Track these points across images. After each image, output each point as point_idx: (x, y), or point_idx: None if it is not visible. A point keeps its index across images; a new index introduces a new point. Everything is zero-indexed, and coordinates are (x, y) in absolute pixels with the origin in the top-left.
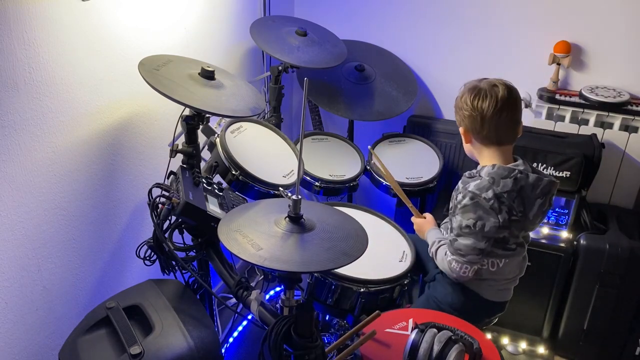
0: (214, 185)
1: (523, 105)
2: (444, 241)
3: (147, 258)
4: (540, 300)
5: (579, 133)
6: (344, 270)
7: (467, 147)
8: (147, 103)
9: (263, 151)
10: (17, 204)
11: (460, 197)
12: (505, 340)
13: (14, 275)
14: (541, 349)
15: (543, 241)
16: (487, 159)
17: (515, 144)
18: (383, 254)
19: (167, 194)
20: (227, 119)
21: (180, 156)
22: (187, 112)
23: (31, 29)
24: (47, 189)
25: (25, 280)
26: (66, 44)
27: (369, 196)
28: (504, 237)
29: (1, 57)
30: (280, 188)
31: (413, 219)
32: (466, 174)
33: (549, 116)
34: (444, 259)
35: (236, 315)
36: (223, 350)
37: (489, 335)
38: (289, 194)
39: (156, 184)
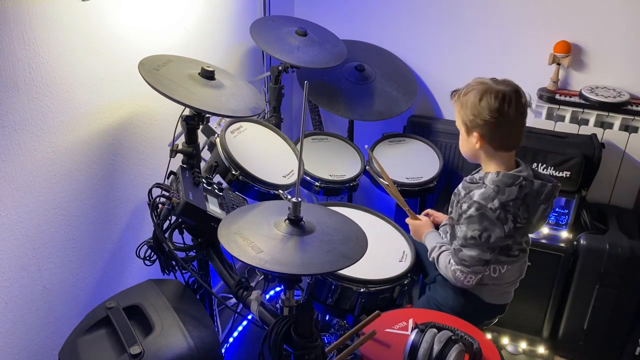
0: (214, 185)
1: None
2: (445, 247)
3: (147, 258)
4: (540, 300)
5: (579, 133)
6: (344, 271)
7: (472, 152)
8: (147, 103)
9: (263, 151)
10: (17, 204)
11: (465, 206)
12: (505, 340)
13: (14, 275)
14: (541, 349)
15: (543, 241)
16: (493, 165)
17: None
18: (383, 254)
19: (167, 194)
20: (227, 119)
21: (180, 156)
22: (187, 112)
23: (31, 29)
24: (47, 189)
25: (25, 280)
26: (66, 44)
27: (369, 196)
28: (507, 245)
29: (1, 57)
30: (280, 190)
31: (408, 220)
32: (467, 178)
33: (549, 116)
34: (448, 267)
35: (236, 315)
36: (223, 350)
37: (489, 335)
38: (289, 197)
39: (156, 184)
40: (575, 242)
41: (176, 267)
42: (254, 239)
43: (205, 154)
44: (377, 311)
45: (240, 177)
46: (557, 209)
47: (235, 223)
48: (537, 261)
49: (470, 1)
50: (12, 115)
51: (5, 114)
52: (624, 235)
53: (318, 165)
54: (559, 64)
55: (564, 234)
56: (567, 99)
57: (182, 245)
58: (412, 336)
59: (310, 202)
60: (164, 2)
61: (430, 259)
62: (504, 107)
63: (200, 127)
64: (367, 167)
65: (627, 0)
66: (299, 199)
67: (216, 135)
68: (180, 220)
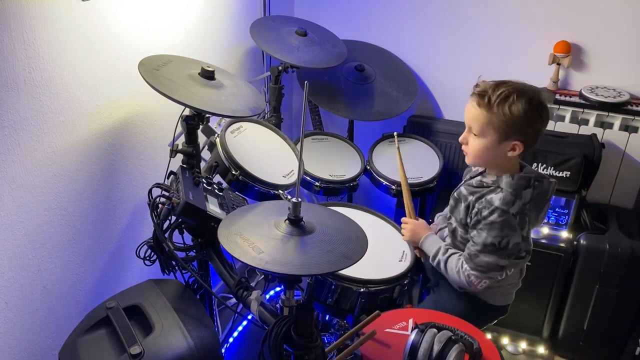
0: (214, 185)
1: None
2: (452, 250)
3: (147, 258)
4: (540, 300)
5: (579, 133)
6: (344, 271)
7: (497, 158)
8: (147, 103)
9: (263, 151)
10: (17, 204)
11: (486, 212)
12: (505, 340)
13: (14, 275)
14: (541, 349)
15: (543, 241)
16: (506, 168)
17: None
18: (383, 254)
19: (167, 194)
20: (227, 119)
21: (180, 156)
22: (187, 112)
23: (31, 29)
24: (47, 189)
25: (25, 280)
26: (66, 44)
27: (369, 196)
28: (519, 248)
29: (1, 57)
30: (280, 191)
31: (406, 219)
32: (471, 182)
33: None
34: (460, 272)
35: (236, 315)
36: (223, 350)
37: (489, 335)
38: (289, 197)
39: (156, 184)
40: (575, 242)
41: (176, 267)
42: (254, 239)
43: (205, 154)
44: (377, 311)
45: (240, 177)
46: (557, 209)
47: (235, 223)
48: (537, 261)
49: (470, 1)
50: (12, 115)
51: (5, 114)
52: (624, 235)
53: (318, 165)
54: (559, 64)
55: (564, 234)
56: (567, 99)
57: (182, 245)
58: (412, 336)
59: (310, 202)
60: (164, 2)
61: (435, 263)
62: (547, 110)
63: (200, 127)
64: (367, 167)
65: (627, 0)
66: (299, 199)
67: (216, 135)
68: (180, 220)
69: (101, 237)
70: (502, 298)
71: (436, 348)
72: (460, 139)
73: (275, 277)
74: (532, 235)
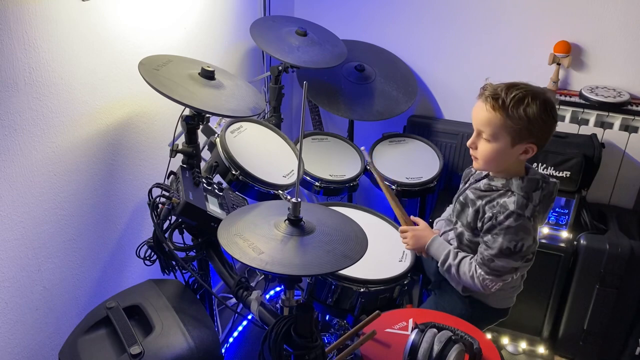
0: (214, 185)
1: None
2: (462, 254)
3: (147, 258)
4: (540, 300)
5: (579, 133)
6: (343, 270)
7: (509, 161)
8: (147, 103)
9: (263, 151)
10: (17, 204)
11: (501, 217)
12: (505, 340)
13: (14, 275)
14: (541, 349)
15: (543, 241)
16: (514, 171)
17: None
18: (383, 254)
19: (167, 194)
20: (227, 119)
21: (180, 156)
22: (187, 112)
23: (31, 29)
24: (47, 189)
25: (25, 280)
26: (66, 44)
27: (369, 196)
28: (531, 250)
29: (1, 57)
30: (280, 191)
31: (404, 228)
32: (480, 185)
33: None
34: (475, 277)
35: (236, 315)
36: (223, 350)
37: (489, 335)
38: (289, 197)
39: (156, 184)
40: (575, 242)
41: (176, 267)
42: (254, 240)
43: (205, 154)
44: (377, 311)
45: (240, 177)
46: (557, 209)
47: (235, 224)
48: (537, 261)
49: (470, 1)
50: (12, 115)
51: (5, 114)
52: (624, 235)
53: (318, 165)
54: (559, 64)
55: (564, 234)
56: (567, 99)
57: (182, 245)
58: (412, 336)
59: (310, 202)
60: (164, 2)
61: (444, 267)
62: (555, 113)
63: (200, 127)
64: (367, 167)
65: (627, 0)
66: (299, 199)
67: (216, 135)
68: (180, 220)
69: (101, 237)
70: (504, 301)
71: (436, 348)
72: (469, 143)
73: (275, 277)
74: None
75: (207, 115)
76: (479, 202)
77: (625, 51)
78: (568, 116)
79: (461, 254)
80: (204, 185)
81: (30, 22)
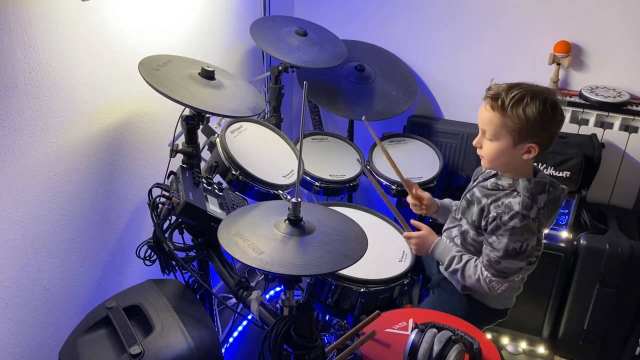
0: (214, 185)
1: None
2: (467, 256)
3: (147, 258)
4: (540, 300)
5: (579, 133)
6: (343, 270)
7: (513, 161)
8: (147, 103)
9: (263, 151)
10: (17, 204)
11: (506, 217)
12: (505, 340)
13: (14, 275)
14: (541, 349)
15: (543, 241)
16: (522, 172)
17: None
18: (383, 254)
19: (167, 194)
20: (227, 119)
21: (180, 156)
22: (187, 112)
23: (31, 29)
24: (47, 189)
25: (25, 280)
26: (66, 44)
27: (369, 196)
28: (534, 250)
29: (1, 57)
30: (280, 191)
31: (408, 234)
32: (488, 184)
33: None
34: (481, 279)
35: (236, 315)
36: (223, 350)
37: (489, 335)
38: (289, 197)
39: (156, 184)
40: (575, 242)
41: (176, 267)
42: (254, 240)
43: (205, 154)
44: (377, 311)
45: (240, 177)
46: None
47: (235, 224)
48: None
49: (470, 1)
50: (12, 115)
51: (5, 114)
52: (624, 235)
53: (318, 165)
54: (559, 64)
55: (564, 234)
56: (567, 99)
57: (182, 245)
58: (412, 336)
59: (310, 202)
60: (164, 2)
61: (449, 271)
62: (562, 112)
63: (200, 127)
64: (367, 167)
65: (627, 0)
66: (299, 199)
67: (216, 135)
68: (180, 220)
69: (101, 237)
70: (504, 302)
71: (436, 348)
72: (475, 142)
73: (275, 277)
74: None
75: (207, 115)
76: (484, 201)
77: (625, 51)
78: (568, 116)
79: (465, 257)
80: (204, 185)
81: (30, 22)
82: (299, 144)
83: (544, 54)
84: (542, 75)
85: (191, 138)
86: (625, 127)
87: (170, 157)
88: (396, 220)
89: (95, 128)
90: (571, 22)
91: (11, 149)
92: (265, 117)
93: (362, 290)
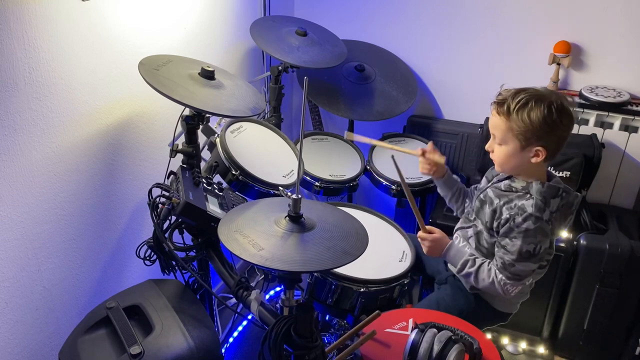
0: (214, 185)
1: None
2: (480, 259)
3: (147, 258)
4: (540, 300)
5: (579, 133)
6: (344, 270)
7: (522, 165)
8: (147, 103)
9: (263, 151)
10: (17, 204)
11: (519, 219)
12: (505, 340)
13: (14, 275)
14: (541, 349)
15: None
16: (535, 176)
17: None
18: (383, 253)
19: (167, 194)
20: (227, 119)
21: (180, 156)
22: (187, 112)
23: (31, 29)
24: (47, 189)
25: (25, 280)
26: (66, 44)
27: (369, 196)
28: (546, 253)
29: (1, 57)
30: (280, 187)
31: (423, 235)
32: (501, 185)
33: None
34: (495, 282)
35: (236, 315)
36: (223, 350)
37: (489, 335)
38: (289, 193)
39: (156, 184)
40: (575, 242)
41: (176, 267)
42: (255, 236)
43: (205, 154)
44: (377, 311)
45: (240, 177)
46: None
47: (236, 221)
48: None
49: (470, 1)
50: (12, 115)
51: (5, 114)
52: (624, 236)
53: (318, 165)
54: (559, 64)
55: (564, 234)
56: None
57: (182, 245)
58: (412, 336)
59: None
60: (164, 2)
61: (462, 274)
62: (570, 115)
63: (200, 127)
64: (367, 167)
65: (627, 1)
66: (299, 196)
67: (216, 135)
68: (180, 220)
69: (101, 237)
70: (510, 306)
71: (436, 348)
72: (487, 147)
73: (275, 277)
74: None
75: (207, 115)
76: (497, 202)
77: (625, 51)
78: None
79: (479, 261)
80: (204, 185)
81: (30, 22)
82: (299, 144)
83: (544, 54)
84: (542, 75)
85: (191, 138)
86: (625, 127)
87: (170, 157)
88: (396, 220)
89: (95, 128)
90: (571, 22)
91: (11, 149)
92: (265, 117)
93: (362, 290)
